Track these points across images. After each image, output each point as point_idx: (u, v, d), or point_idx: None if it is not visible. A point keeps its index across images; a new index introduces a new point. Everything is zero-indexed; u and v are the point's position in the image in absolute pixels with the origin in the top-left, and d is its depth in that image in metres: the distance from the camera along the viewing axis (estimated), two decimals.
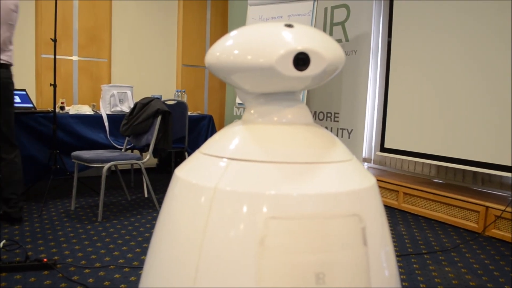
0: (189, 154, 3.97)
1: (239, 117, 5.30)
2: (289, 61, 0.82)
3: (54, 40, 3.35)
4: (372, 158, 4.31)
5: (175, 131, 3.79)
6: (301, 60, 0.82)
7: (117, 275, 2.10)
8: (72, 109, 3.83)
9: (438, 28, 3.37)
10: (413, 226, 3.15)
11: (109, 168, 3.01)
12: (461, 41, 3.21)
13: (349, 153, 0.95)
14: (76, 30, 4.56)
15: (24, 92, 3.61)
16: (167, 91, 5.13)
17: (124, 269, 2.19)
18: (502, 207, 2.89)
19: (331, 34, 4.37)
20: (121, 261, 2.29)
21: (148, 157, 3.19)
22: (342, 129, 4.29)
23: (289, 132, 0.91)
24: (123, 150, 3.54)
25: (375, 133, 4.24)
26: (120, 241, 2.60)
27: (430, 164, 3.79)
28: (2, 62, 2.65)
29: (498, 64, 2.97)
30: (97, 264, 2.23)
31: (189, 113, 4.09)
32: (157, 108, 3.27)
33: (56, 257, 2.28)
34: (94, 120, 3.78)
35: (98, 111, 4.01)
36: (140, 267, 2.21)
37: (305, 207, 0.79)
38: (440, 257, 2.53)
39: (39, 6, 4.31)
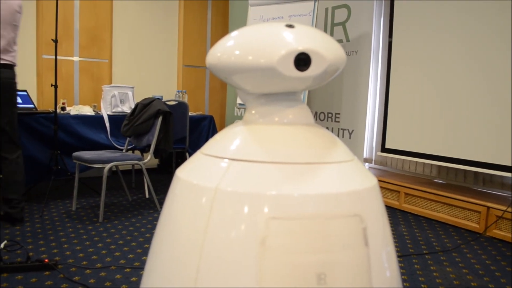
0: (190, 155, 3.97)
1: (240, 117, 5.30)
2: (290, 62, 0.82)
3: (55, 41, 3.36)
4: (373, 158, 4.31)
5: (176, 131, 3.79)
6: (302, 61, 0.82)
7: (118, 276, 2.10)
8: (73, 110, 3.83)
9: (439, 28, 3.37)
10: (414, 226, 3.15)
11: (110, 168, 3.01)
12: (462, 41, 3.21)
13: (350, 153, 0.95)
14: (77, 30, 4.56)
15: (25, 93, 3.62)
16: (168, 91, 5.13)
17: (125, 270, 2.19)
18: (504, 207, 2.89)
19: (332, 34, 4.37)
20: (122, 261, 2.29)
21: (149, 157, 3.19)
22: (343, 130, 4.29)
23: (290, 132, 0.90)
24: (124, 151, 3.54)
25: (376, 134, 4.24)
26: (121, 242, 2.60)
27: (431, 165, 3.79)
28: (6, 62, 2.67)
29: (499, 65, 2.97)
30: (98, 265, 2.23)
31: (190, 114, 4.10)
32: (158, 108, 3.27)
33: (57, 258, 2.28)
34: (95, 120, 3.78)
35: (99, 112, 4.02)
36: (141, 268, 2.22)
37: (306, 208, 0.79)
38: (441, 258, 2.52)
39: (40, 7, 4.32)
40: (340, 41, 4.25)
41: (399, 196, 3.60)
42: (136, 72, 5.00)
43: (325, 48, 0.84)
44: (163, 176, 4.71)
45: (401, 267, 2.34)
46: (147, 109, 3.34)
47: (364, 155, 4.30)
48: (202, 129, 4.45)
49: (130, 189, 3.99)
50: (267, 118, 0.94)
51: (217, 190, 0.82)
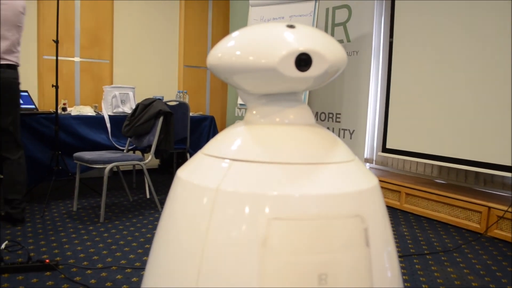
0: (191, 155, 3.97)
1: (240, 118, 5.30)
2: (291, 62, 0.82)
3: (56, 42, 3.36)
4: (374, 158, 4.31)
5: (177, 132, 3.79)
6: (303, 61, 0.82)
7: (119, 276, 2.11)
8: (74, 110, 3.83)
9: (439, 29, 3.37)
10: (415, 226, 3.15)
11: (111, 169, 3.01)
12: (462, 42, 3.20)
13: (351, 153, 0.95)
14: (78, 31, 4.57)
15: (26, 93, 3.62)
16: (169, 92, 5.13)
17: (126, 270, 2.19)
18: (505, 208, 2.88)
19: (332, 34, 4.37)
20: (123, 262, 2.29)
21: (150, 158, 3.19)
22: (344, 130, 4.28)
23: (291, 132, 0.91)
24: (125, 151, 3.54)
25: (377, 134, 4.24)
26: (122, 242, 2.60)
27: (432, 165, 3.79)
28: (10, 63, 2.69)
29: (500, 65, 2.97)
30: (99, 265, 2.23)
31: (190, 114, 4.10)
32: (159, 109, 3.27)
33: (58, 258, 2.28)
34: (96, 121, 3.78)
35: (100, 112, 4.02)
36: (142, 268, 2.22)
37: (307, 208, 0.79)
38: (442, 258, 2.52)
39: (41, 7, 4.32)
40: (340, 41, 4.25)
41: (400, 196, 3.60)
42: (137, 73, 5.01)
43: (326, 49, 0.84)
44: (164, 177, 4.71)
45: (402, 267, 2.34)
46: (148, 110, 3.34)
47: (365, 155, 4.30)
48: (203, 130, 4.45)
49: (131, 189, 3.99)
50: (268, 118, 0.94)
51: (218, 191, 0.82)
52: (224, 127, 5.56)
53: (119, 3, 4.80)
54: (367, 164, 4.35)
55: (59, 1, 3.40)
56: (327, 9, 4.43)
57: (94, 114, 3.89)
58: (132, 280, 2.07)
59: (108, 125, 3.81)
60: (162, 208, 3.29)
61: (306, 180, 0.82)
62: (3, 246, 2.34)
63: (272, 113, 0.93)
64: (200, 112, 5.13)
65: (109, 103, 3.95)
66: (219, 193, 0.82)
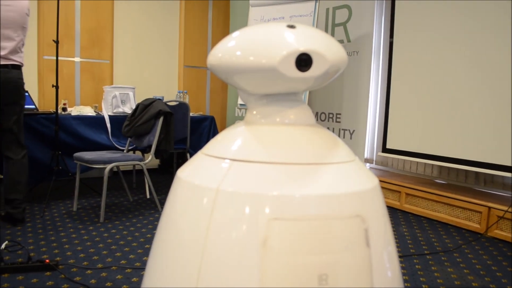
0: (191, 155, 3.97)
1: (241, 118, 5.30)
2: (292, 62, 0.82)
3: (56, 42, 3.36)
4: (374, 158, 4.31)
5: (177, 132, 3.79)
6: (304, 61, 0.82)
7: (119, 276, 2.11)
8: (74, 110, 3.83)
9: (440, 29, 3.37)
10: (415, 226, 3.15)
11: (111, 169, 3.01)
12: (463, 42, 3.20)
13: (351, 153, 0.95)
14: (78, 31, 4.57)
15: (26, 94, 3.61)
16: (169, 92, 5.14)
17: (126, 270, 2.19)
18: (505, 208, 2.88)
19: (332, 35, 4.37)
20: (123, 262, 2.29)
21: (150, 158, 3.19)
22: (344, 130, 4.28)
23: (292, 133, 0.90)
24: (125, 151, 3.54)
25: (377, 134, 4.24)
26: (122, 242, 2.60)
27: (432, 165, 3.79)
28: (15, 63, 2.72)
29: (500, 65, 2.97)
30: (99, 265, 2.23)
31: (191, 114, 4.10)
32: (159, 109, 3.27)
33: (58, 258, 2.28)
34: (96, 121, 3.78)
35: (100, 112, 4.02)
36: (142, 268, 2.22)
37: (307, 208, 0.79)
38: (443, 258, 2.52)
39: (41, 8, 4.32)
40: (341, 41, 4.25)
41: (400, 197, 3.60)
42: (137, 73, 5.01)
43: (326, 49, 0.84)
44: (164, 177, 4.71)
45: (402, 267, 2.34)
46: (148, 110, 3.34)
47: (365, 156, 4.30)
48: (203, 130, 4.45)
49: (131, 189, 3.99)
50: (268, 118, 0.94)
51: (218, 191, 0.82)
52: (224, 127, 5.56)
53: (119, 3, 4.80)
54: (367, 164, 4.35)
55: (60, 1, 3.40)
56: (327, 9, 4.43)
57: (94, 114, 3.89)
58: (132, 280, 2.07)
59: (108, 125, 3.81)
60: (162, 208, 3.28)
61: (306, 181, 0.82)
62: (3, 246, 2.34)
63: (273, 113, 0.93)
64: (200, 112, 5.13)
65: (109, 103, 3.95)
66: (219, 193, 0.82)
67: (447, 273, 2.29)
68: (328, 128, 4.38)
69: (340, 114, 4.33)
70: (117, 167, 3.24)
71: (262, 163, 0.84)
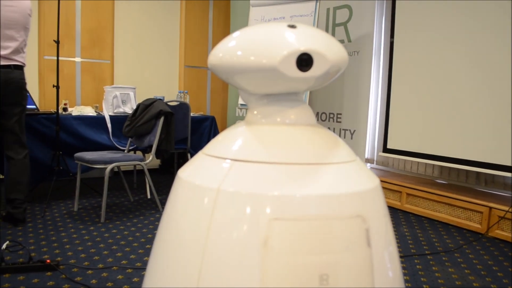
0: (191, 155, 3.97)
1: (241, 118, 5.30)
2: (292, 62, 0.82)
3: (57, 42, 3.36)
4: (375, 158, 4.31)
5: (177, 132, 3.79)
6: (304, 61, 0.82)
7: (120, 276, 2.11)
8: (75, 111, 3.83)
9: (440, 29, 3.36)
10: (416, 227, 3.14)
11: (112, 169, 3.01)
12: (463, 42, 3.20)
13: (352, 153, 0.95)
14: (78, 31, 4.57)
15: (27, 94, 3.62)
16: (170, 92, 5.14)
17: (127, 270, 2.19)
18: (506, 208, 2.88)
19: (333, 34, 4.37)
20: (124, 262, 2.29)
21: (150, 158, 3.19)
22: (345, 130, 4.28)
23: (292, 133, 0.90)
24: (125, 151, 3.54)
25: (377, 134, 4.23)
26: (123, 242, 2.60)
27: (433, 165, 3.78)
28: (18, 63, 2.73)
29: (500, 65, 2.96)
30: (100, 265, 2.23)
31: (191, 114, 4.10)
32: (160, 109, 3.27)
33: (59, 258, 2.28)
34: (97, 121, 3.78)
35: (100, 112, 4.02)
36: (143, 268, 2.22)
37: (308, 209, 0.79)
38: (443, 258, 2.52)
39: (41, 8, 4.33)
40: (341, 41, 4.25)
41: (401, 197, 3.60)
42: (138, 73, 5.01)
43: (327, 49, 0.84)
44: (164, 177, 4.71)
45: (403, 268, 2.34)
46: (149, 110, 3.34)
47: (366, 156, 4.30)
48: (203, 130, 4.45)
49: (132, 189, 3.99)
50: (269, 118, 0.93)
51: (219, 191, 0.82)
52: (224, 127, 5.57)
53: (120, 3, 4.81)
54: (368, 164, 4.35)
55: (60, 2, 3.40)
56: (328, 9, 4.43)
57: (95, 114, 3.90)
58: (133, 280, 2.07)
59: (109, 125, 3.81)
60: (163, 208, 3.29)
61: (307, 181, 0.82)
62: (4, 246, 2.34)
63: (273, 113, 0.93)
64: (201, 112, 5.13)
65: (110, 103, 3.95)
66: (220, 193, 0.82)
67: (448, 273, 2.28)
68: (328, 128, 4.38)
69: (340, 114, 4.32)
70: (118, 167, 3.24)
71: (263, 163, 0.84)
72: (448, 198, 3.23)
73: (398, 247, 2.68)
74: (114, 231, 2.81)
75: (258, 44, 0.84)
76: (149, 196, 3.77)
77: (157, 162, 5.16)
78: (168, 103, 3.57)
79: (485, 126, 3.08)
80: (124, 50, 4.88)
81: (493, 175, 3.31)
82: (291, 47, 0.81)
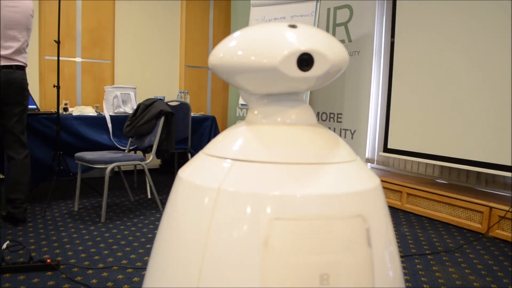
0: (192, 155, 3.97)
1: (241, 118, 5.30)
2: (293, 62, 0.82)
3: (58, 42, 3.37)
4: (375, 158, 4.31)
5: (178, 132, 3.79)
6: (305, 61, 0.82)
7: (120, 276, 2.11)
8: (75, 111, 3.84)
9: (441, 29, 3.36)
10: (417, 226, 3.14)
11: (112, 169, 3.01)
12: (464, 42, 3.20)
13: (353, 153, 0.95)
14: (79, 31, 4.57)
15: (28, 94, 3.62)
16: (170, 92, 5.14)
17: (127, 270, 2.19)
18: (506, 208, 2.88)
19: (334, 34, 4.36)
20: (124, 262, 2.30)
21: (151, 158, 3.19)
22: (345, 130, 4.28)
23: (293, 132, 0.90)
24: (126, 151, 3.55)
25: (378, 134, 4.23)
26: (123, 242, 2.60)
27: (434, 165, 3.78)
28: (19, 64, 2.73)
29: (501, 65, 2.96)
30: (100, 265, 2.23)
31: (192, 114, 4.10)
32: (160, 109, 3.27)
33: (59, 258, 2.28)
34: (97, 121, 3.79)
35: (101, 112, 4.02)
36: (143, 268, 2.22)
37: (309, 208, 0.79)
38: (444, 258, 2.52)
39: (42, 8, 4.33)
40: (342, 41, 4.25)
41: (401, 196, 3.60)
42: (138, 73, 5.01)
43: (328, 49, 0.84)
44: (165, 177, 4.71)
45: (403, 267, 2.34)
46: (149, 110, 3.34)
47: (366, 156, 4.30)
48: (204, 130, 4.45)
49: (132, 189, 3.99)
50: (269, 118, 0.93)
51: (219, 191, 0.82)
52: (225, 127, 5.57)
53: (121, 3, 4.81)
54: (369, 164, 4.35)
55: (61, 2, 3.40)
56: (328, 9, 4.42)
57: (95, 114, 3.90)
58: (133, 280, 2.07)
59: (110, 125, 3.82)
60: (163, 208, 3.29)
61: (307, 180, 0.82)
62: (4, 246, 2.34)
63: (274, 113, 0.93)
64: (201, 112, 5.13)
65: (111, 103, 3.95)
66: (221, 193, 0.82)
67: (449, 273, 2.28)
68: (329, 128, 4.38)
69: (341, 114, 4.32)
70: (118, 167, 3.25)
71: (263, 163, 0.84)
72: (448, 198, 3.23)
73: (399, 247, 2.68)
74: (115, 231, 2.81)
75: (258, 44, 0.84)
76: (149, 196, 3.77)
77: (158, 162, 5.16)
78: (169, 103, 3.57)
79: (485, 126, 3.08)
80: (124, 50, 4.89)
81: (494, 175, 3.31)
82: (292, 47, 0.81)
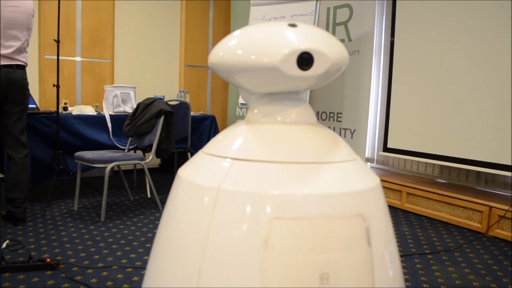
0: (191, 155, 3.97)
1: (241, 117, 5.30)
2: (293, 61, 0.82)
3: (57, 41, 3.36)
4: (375, 158, 4.31)
5: (177, 131, 3.79)
6: (305, 60, 0.82)
7: (120, 275, 2.11)
8: (75, 110, 3.83)
9: (441, 28, 3.36)
10: (416, 226, 3.14)
11: (112, 168, 3.01)
12: (464, 42, 3.20)
13: (353, 152, 0.95)
14: (79, 31, 4.57)
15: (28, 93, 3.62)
16: (170, 91, 5.14)
17: (127, 269, 2.19)
18: (506, 207, 2.88)
19: (333, 34, 4.36)
20: (124, 261, 2.29)
21: (151, 157, 3.19)
22: (345, 129, 4.28)
23: (293, 132, 0.90)
24: (126, 151, 3.54)
25: (378, 133, 4.23)
26: (123, 242, 2.60)
27: (434, 164, 3.78)
28: (20, 63, 2.74)
29: (501, 65, 2.96)
30: (100, 264, 2.23)
31: (191, 114, 4.10)
32: (160, 108, 3.27)
33: (59, 257, 2.28)
34: (97, 120, 3.78)
35: (101, 112, 4.02)
36: (143, 267, 2.22)
37: (309, 208, 0.79)
38: (444, 257, 2.52)
39: (42, 7, 4.32)
40: (342, 40, 4.25)
41: (401, 196, 3.60)
42: (138, 72, 5.01)
43: (328, 48, 0.84)
44: (165, 176, 4.71)
45: (403, 267, 2.34)
46: (149, 109, 3.34)
47: (366, 155, 4.30)
48: (204, 129, 4.45)
49: (132, 189, 3.99)
50: (269, 117, 0.93)
51: (219, 190, 0.82)
52: (225, 126, 5.56)
53: (120, 2, 4.80)
54: (368, 163, 4.35)
55: (60, 1, 3.40)
56: (328, 9, 4.42)
57: (95, 113, 3.90)
58: (133, 279, 2.07)
59: (109, 124, 3.81)
60: (163, 207, 3.29)
61: (307, 180, 0.82)
62: (4, 245, 2.34)
63: (274, 112, 0.93)
64: (201, 112, 5.13)
65: (110, 103, 3.95)
66: (220, 193, 0.82)
67: (448, 273, 2.28)
68: (329, 127, 4.37)
69: (341, 113, 4.32)
70: (118, 166, 3.24)
71: (263, 162, 0.84)
72: (448, 197, 3.23)
73: (398, 246, 2.68)
74: (114, 230, 2.81)
75: (258, 43, 0.84)
76: (149, 195, 3.77)
77: (157, 161, 5.16)
78: (168, 102, 3.57)
79: (485, 125, 3.08)
80: (124, 50, 4.88)
81: (493, 175, 3.31)
82: (292, 46, 0.81)
